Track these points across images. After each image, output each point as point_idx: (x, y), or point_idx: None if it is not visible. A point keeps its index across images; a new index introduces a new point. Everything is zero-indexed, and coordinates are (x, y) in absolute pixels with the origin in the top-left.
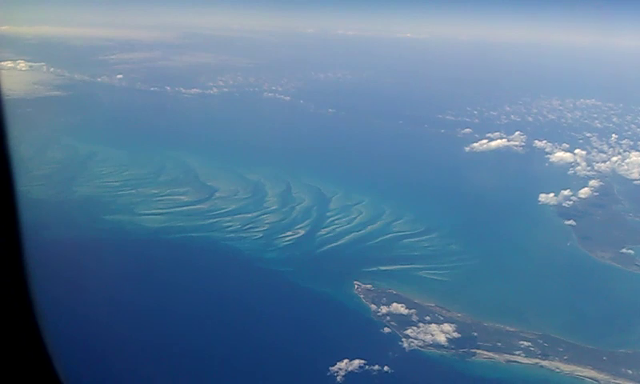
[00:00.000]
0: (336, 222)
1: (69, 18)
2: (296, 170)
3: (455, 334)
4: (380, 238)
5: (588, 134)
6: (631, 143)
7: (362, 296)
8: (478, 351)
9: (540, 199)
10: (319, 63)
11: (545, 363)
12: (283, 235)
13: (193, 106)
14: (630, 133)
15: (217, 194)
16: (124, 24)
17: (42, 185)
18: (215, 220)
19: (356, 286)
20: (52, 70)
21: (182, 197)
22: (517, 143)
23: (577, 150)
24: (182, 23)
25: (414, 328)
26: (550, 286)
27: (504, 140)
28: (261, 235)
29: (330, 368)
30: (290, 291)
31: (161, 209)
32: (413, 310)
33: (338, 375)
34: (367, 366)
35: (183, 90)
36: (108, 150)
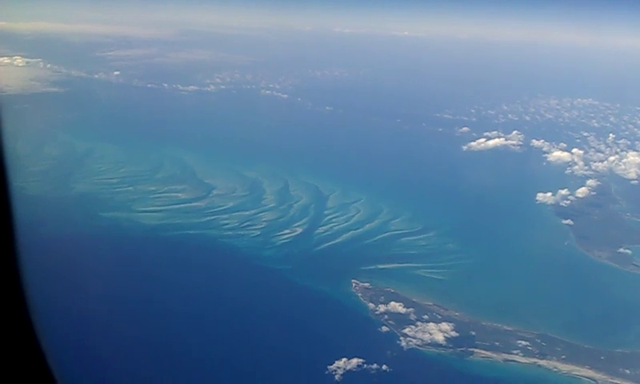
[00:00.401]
0: (334, 220)
1: (66, 14)
2: (293, 168)
3: (453, 333)
4: (378, 237)
5: (585, 134)
6: (628, 143)
7: (359, 294)
8: (475, 350)
9: (537, 198)
10: (316, 61)
11: (542, 363)
12: (281, 233)
13: (190, 103)
14: (627, 133)
15: (214, 192)
16: (121, 21)
17: (39, 181)
18: (213, 217)
19: (354, 285)
20: (49, 66)
21: (179, 194)
22: (514, 142)
23: (574, 150)
24: (179, 20)
25: (412, 327)
26: (548, 285)
27: (502, 139)
28: (258, 233)
29: (329, 367)
30: (288, 289)
31: (158, 206)
32: (411, 309)
33: (336, 374)
34: (365, 365)
35: (180, 87)
36: (105, 146)
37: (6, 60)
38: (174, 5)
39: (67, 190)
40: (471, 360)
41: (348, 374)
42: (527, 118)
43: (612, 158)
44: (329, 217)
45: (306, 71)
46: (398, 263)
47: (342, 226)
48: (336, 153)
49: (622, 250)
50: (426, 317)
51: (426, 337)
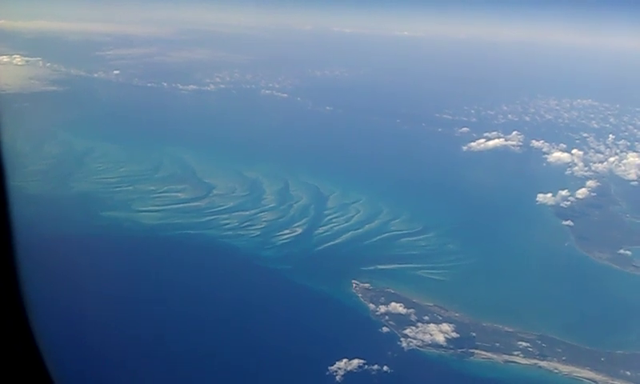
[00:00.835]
0: (334, 220)
1: (65, 13)
2: (294, 168)
3: (454, 334)
4: (378, 237)
5: (585, 135)
6: (628, 144)
7: (360, 295)
8: (476, 351)
9: (538, 199)
10: (316, 60)
11: (543, 364)
12: (281, 233)
13: (190, 102)
14: (626, 133)
15: (214, 191)
16: (121, 19)
17: (38, 180)
18: (212, 217)
19: (354, 285)
20: (48, 65)
21: (179, 194)
22: (514, 143)
23: (574, 151)
24: (179, 19)
25: (413, 328)
26: (548, 286)
27: (501, 139)
28: (258, 233)
29: (329, 367)
30: (288, 289)
31: (158, 206)
32: (411, 310)
33: (337, 375)
34: (366, 366)
35: (180, 86)
36: (105, 145)
37: (5, 59)
38: (173, 4)
39: (67, 189)
40: (472, 361)
41: (349, 374)
42: (527, 118)
43: (612, 159)
44: (329, 217)
45: (305, 71)
46: (399, 264)
47: (342, 226)
48: (336, 153)
49: (622, 251)
50: (426, 318)
51: (427, 338)
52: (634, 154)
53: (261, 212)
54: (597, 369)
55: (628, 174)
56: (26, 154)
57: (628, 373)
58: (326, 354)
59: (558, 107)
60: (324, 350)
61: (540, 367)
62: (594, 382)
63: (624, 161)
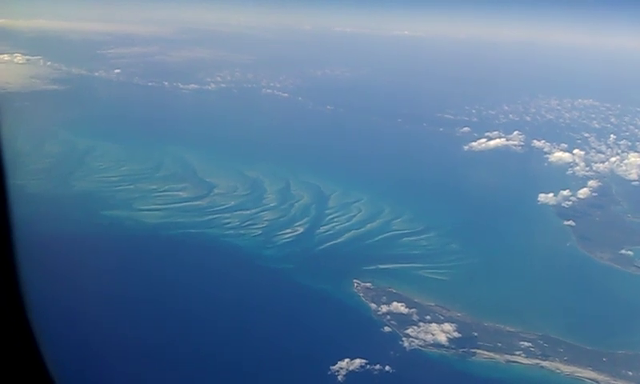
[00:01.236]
0: (335, 219)
1: (66, 11)
2: (295, 167)
3: (456, 334)
4: (379, 236)
5: (586, 135)
6: (629, 144)
7: (361, 294)
8: (478, 351)
9: (539, 199)
10: (317, 60)
11: (545, 364)
12: (282, 232)
13: (191, 101)
14: (627, 133)
15: (215, 191)
16: (122, 18)
17: (39, 179)
18: (214, 216)
19: (355, 285)
20: (49, 63)
21: (180, 193)
22: (515, 143)
23: (575, 151)
24: (179, 18)
25: (415, 327)
26: (550, 286)
27: (503, 139)
28: (260, 232)
29: (331, 367)
30: (289, 289)
31: (159, 205)
32: (413, 309)
33: (339, 374)
34: (368, 366)
35: (181, 86)
36: (106, 144)
37: (6, 57)
38: (174, 3)
39: (68, 188)
40: (474, 361)
41: (351, 374)
42: (528, 118)
43: (613, 159)
44: (330, 216)
45: (306, 70)
46: (400, 263)
47: (343, 225)
48: (337, 152)
49: (623, 251)
50: (428, 317)
51: (429, 337)
52: (636, 154)
53: (262, 211)
54: (599, 369)
55: (629, 174)
56: (27, 152)
57: (630, 373)
58: (328, 353)
59: (559, 107)
60: (326, 349)
61: (542, 367)
62: (596, 382)
63: (625, 161)
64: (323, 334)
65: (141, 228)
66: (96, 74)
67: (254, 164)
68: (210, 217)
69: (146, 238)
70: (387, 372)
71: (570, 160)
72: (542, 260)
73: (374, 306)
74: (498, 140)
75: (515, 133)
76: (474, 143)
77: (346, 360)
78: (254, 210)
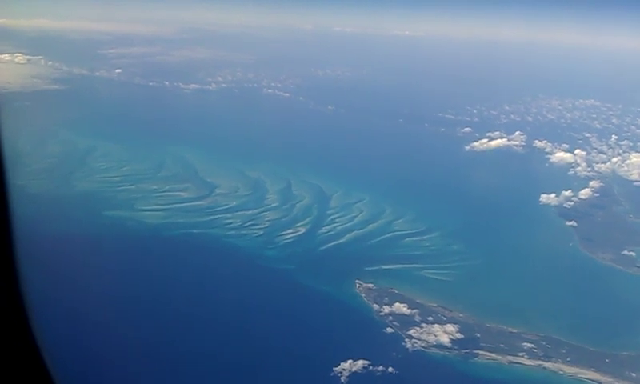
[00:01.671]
0: (337, 220)
1: (67, 11)
2: (296, 167)
3: (458, 335)
4: (381, 237)
5: (587, 135)
6: (631, 144)
7: (363, 295)
8: (481, 352)
9: (541, 199)
10: (318, 60)
11: (548, 365)
12: (284, 233)
13: (192, 101)
14: (629, 134)
15: (217, 191)
16: (122, 18)
17: (41, 179)
18: (215, 217)
19: (357, 285)
20: (50, 63)
21: (181, 193)
22: (517, 143)
23: (577, 151)
24: (180, 18)
25: (417, 328)
26: (553, 287)
27: (504, 139)
28: (261, 232)
29: (334, 368)
30: (291, 289)
31: (161, 205)
32: (415, 310)
33: (342, 375)
34: (371, 367)
35: (182, 85)
36: (107, 144)
37: (7, 57)
38: (175, 3)
39: (69, 189)
40: (476, 362)
41: (354, 375)
42: (529, 118)
43: (615, 160)
44: (332, 217)
45: (307, 70)
46: (402, 264)
47: (345, 225)
48: (338, 152)
49: (625, 252)
50: (430, 318)
51: (431, 338)
52: (637, 154)
53: (264, 211)
54: (602, 370)
55: (631, 175)
56: (28, 152)
57: (633, 374)
58: (330, 354)
59: (560, 107)
60: (328, 350)
61: (545, 368)
62: (599, 383)
63: (627, 161)
64: (325, 334)
65: (142, 228)
66: (97, 73)
67: (255, 164)
68: (212, 217)
69: (147, 239)
70: (390, 373)
71: (572, 160)
72: (544, 260)
73: (376, 306)
74: (499, 140)
75: (517, 133)
76: (475, 143)
77: (349, 361)
78: (255, 211)
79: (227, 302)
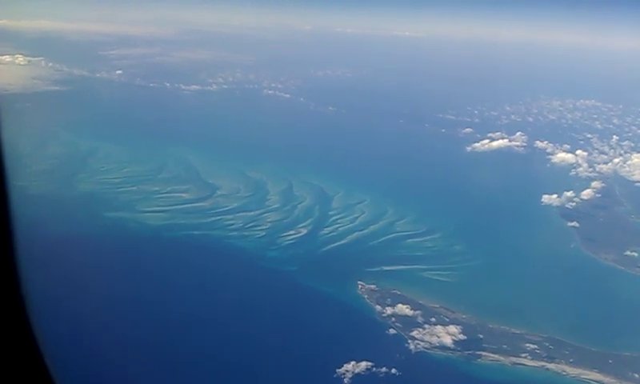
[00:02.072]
0: (338, 221)
1: (68, 12)
2: (297, 168)
3: (461, 336)
4: (383, 238)
5: (589, 135)
6: (632, 145)
7: (365, 296)
8: (484, 353)
9: (543, 200)
10: (318, 61)
11: (551, 366)
12: (286, 234)
13: (193, 102)
14: (630, 134)
15: (218, 192)
16: (123, 19)
17: (42, 181)
18: (217, 218)
19: (360, 286)
20: (51, 64)
21: (183, 194)
22: (518, 143)
23: (578, 151)
24: (180, 19)
25: (420, 329)
26: (555, 287)
27: (505, 140)
28: (263, 234)
29: (337, 370)
30: (293, 291)
31: (162, 206)
32: (418, 311)
33: (345, 377)
34: (374, 368)
35: (183, 87)
36: (108, 146)
37: (7, 58)
38: (175, 4)
39: (70, 190)
40: (479, 363)
41: (357, 377)
42: (530, 119)
43: (616, 160)
44: (333, 218)
45: (308, 71)
46: (404, 265)
47: (346, 227)
48: (339, 153)
49: (628, 252)
50: (433, 319)
51: (434, 340)
52: (639, 154)
53: (265, 212)
54: (605, 371)
55: (632, 175)
56: (29, 154)
57: (636, 375)
58: (334, 356)
59: (561, 108)
60: (331, 352)
61: (548, 369)
62: None
63: (628, 162)
64: (328, 336)
65: (144, 230)
66: (98, 75)
67: (256, 165)
68: (214, 218)
69: (149, 240)
70: (393, 375)
71: (573, 161)
72: (546, 261)
73: (378, 307)
74: (500, 141)
75: (518, 133)
76: (476, 144)
77: (352, 363)
78: (257, 212)
79: (229, 304)
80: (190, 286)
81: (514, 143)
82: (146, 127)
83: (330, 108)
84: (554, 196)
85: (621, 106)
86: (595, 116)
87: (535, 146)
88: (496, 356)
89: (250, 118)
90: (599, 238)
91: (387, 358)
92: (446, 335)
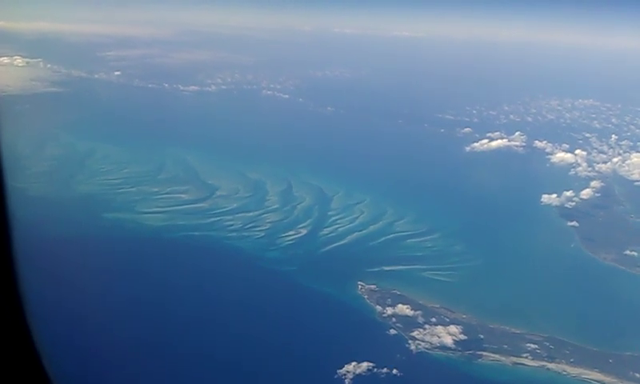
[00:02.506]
0: (338, 221)
1: (66, 14)
2: (297, 169)
3: (462, 336)
4: (382, 238)
5: (587, 135)
6: (631, 144)
7: (366, 296)
8: (484, 353)
9: (542, 200)
10: (317, 61)
11: (551, 366)
12: (285, 234)
13: (191, 103)
14: (629, 134)
15: (217, 193)
16: (121, 20)
17: (41, 182)
18: (216, 219)
19: (360, 287)
20: (49, 66)
21: (182, 195)
22: (517, 143)
23: (577, 151)
24: (179, 20)
25: (420, 330)
26: (555, 287)
27: (504, 140)
28: (263, 234)
29: (338, 371)
30: (293, 291)
31: (161, 207)
32: (418, 312)
33: (346, 378)
34: (375, 369)
35: (181, 87)
36: (107, 147)
37: (6, 60)
38: (173, 5)
39: (69, 191)
40: (480, 363)
41: (358, 378)
42: (529, 118)
43: (615, 160)
44: (333, 218)
45: (306, 71)
46: (404, 265)
47: (346, 227)
48: (339, 153)
49: (627, 252)
50: (433, 320)
51: (435, 340)
52: (638, 154)
53: (265, 213)
54: (605, 370)
55: (632, 175)
56: (28, 155)
57: (637, 375)
58: (334, 356)
59: (559, 107)
60: (332, 352)
61: (548, 369)
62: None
63: (627, 161)
64: (329, 336)
65: (143, 231)
66: (96, 76)
67: (255, 166)
68: (213, 219)
69: (148, 241)
70: (394, 375)
71: (572, 160)
72: (546, 261)
73: (379, 308)
74: (499, 141)
75: (517, 133)
76: (475, 144)
77: (353, 363)
78: (256, 212)
79: (229, 304)
80: (189, 286)
81: (513, 143)
82: (145, 128)
83: (329, 108)
84: (554, 196)
85: (619, 106)
86: (594, 115)
87: (534, 145)
88: (497, 356)
89: (248, 119)
90: (599, 238)
91: (388, 359)
92: (447, 335)
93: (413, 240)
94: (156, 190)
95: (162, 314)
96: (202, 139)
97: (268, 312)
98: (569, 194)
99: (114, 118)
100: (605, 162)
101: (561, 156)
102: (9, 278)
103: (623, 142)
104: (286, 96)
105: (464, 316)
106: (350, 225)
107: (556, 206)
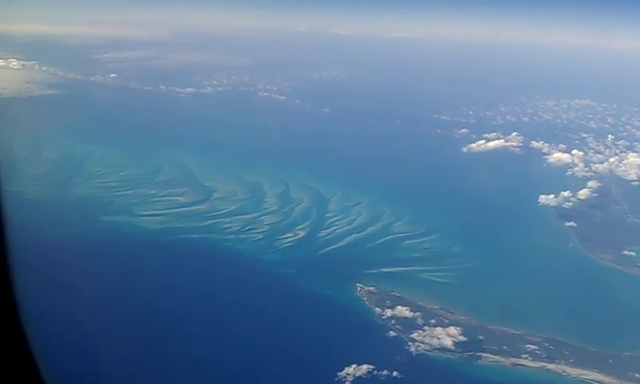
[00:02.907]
0: (336, 223)
1: (62, 16)
2: (294, 171)
3: (461, 338)
4: (381, 240)
5: (584, 135)
6: (627, 144)
7: (364, 298)
8: (484, 354)
9: (540, 200)
10: (313, 62)
11: (551, 367)
12: (283, 236)
13: (188, 105)
14: (625, 134)
15: (215, 195)
16: (117, 22)
17: (37, 185)
18: (214, 221)
19: (358, 288)
20: (45, 68)
21: (179, 197)
22: (514, 144)
23: (574, 151)
24: (175, 22)
25: (420, 331)
26: (554, 288)
27: (501, 140)
28: (261, 236)
29: (338, 373)
30: (292, 293)
31: (159, 210)
32: (417, 313)
33: (346, 381)
34: (376, 371)
35: (178, 89)
36: (103, 149)
37: (1, 62)
38: (170, 6)
39: (66, 194)
40: (480, 364)
41: (358, 380)
42: (525, 119)
43: (612, 160)
44: (331, 220)
45: (303, 73)
46: (402, 266)
47: (344, 229)
48: (336, 155)
49: (625, 252)
50: (433, 321)
51: (435, 341)
52: (634, 154)
53: (262, 215)
54: (605, 371)
55: (628, 175)
56: (24, 158)
57: (637, 375)
58: (334, 359)
59: (556, 108)
60: (331, 355)
61: (548, 370)
62: None
63: (624, 161)
64: (328, 339)
65: (140, 233)
66: (92, 78)
67: (252, 167)
68: (210, 221)
69: (145, 244)
70: (395, 377)
71: (569, 161)
72: (544, 261)
73: (378, 310)
74: (496, 141)
75: (513, 134)
76: (472, 144)
77: (353, 366)
78: (254, 214)
79: (227, 307)
80: (187, 289)
81: (509, 143)
82: (142, 130)
83: (326, 110)
84: (551, 196)
85: (615, 106)
86: (590, 115)
87: (531, 146)
88: (496, 357)
89: (245, 121)
90: (596, 238)
91: (388, 361)
92: (446, 337)
93: (411, 241)
94: (153, 192)
95: (159, 317)
96: (199, 141)
97: (267, 315)
98: (566, 194)
99: (110, 121)
100: (602, 162)
101: (558, 156)
102: (5, 281)
103: (620, 142)
104: (283, 97)
105: (463, 317)
106: (348, 226)
107: (553, 207)
